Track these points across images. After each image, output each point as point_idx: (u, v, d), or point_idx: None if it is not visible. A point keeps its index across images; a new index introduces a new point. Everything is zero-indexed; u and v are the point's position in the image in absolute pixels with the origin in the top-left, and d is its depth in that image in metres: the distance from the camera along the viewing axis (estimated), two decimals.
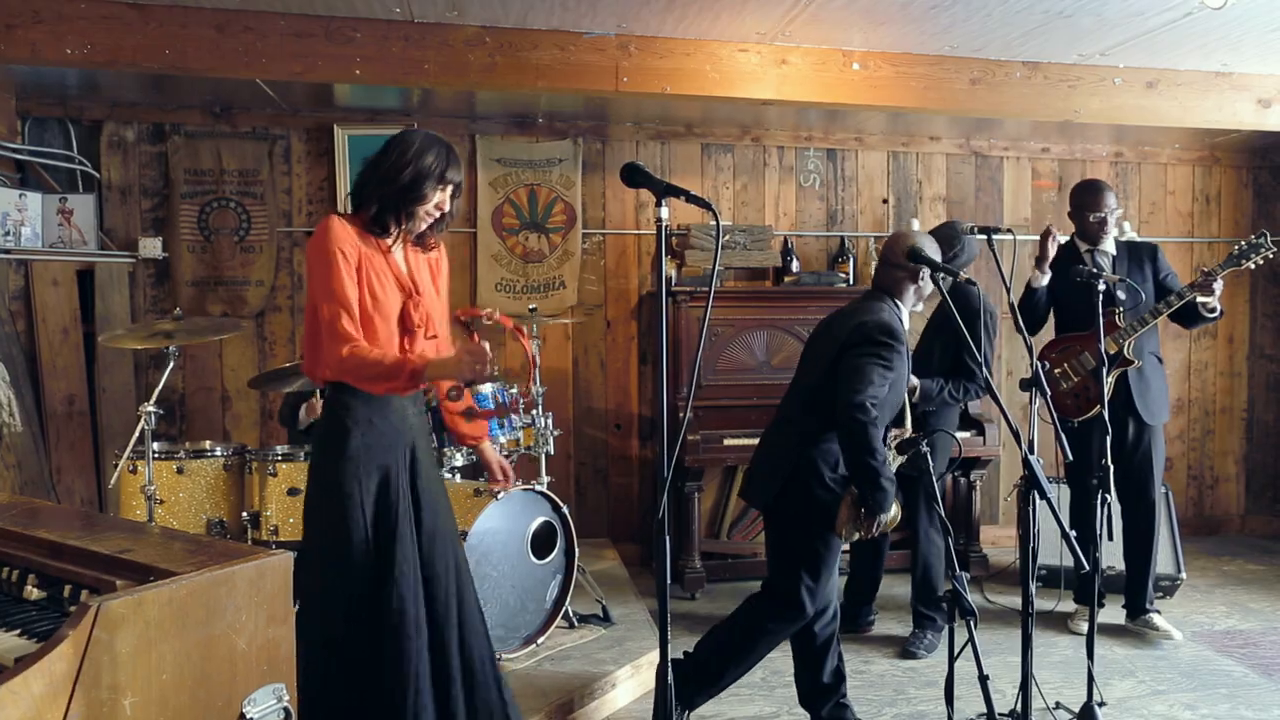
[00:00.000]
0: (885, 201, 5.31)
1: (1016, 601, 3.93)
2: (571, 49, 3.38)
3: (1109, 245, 3.89)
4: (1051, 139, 5.38)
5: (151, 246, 4.66)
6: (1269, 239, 3.49)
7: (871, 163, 5.32)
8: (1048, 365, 4.02)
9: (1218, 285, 3.55)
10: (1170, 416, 3.95)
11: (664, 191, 1.92)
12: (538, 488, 3.51)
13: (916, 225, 5.15)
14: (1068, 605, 4.27)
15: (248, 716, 1.80)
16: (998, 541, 5.13)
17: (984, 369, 3.69)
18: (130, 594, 1.63)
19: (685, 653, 2.92)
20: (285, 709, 1.88)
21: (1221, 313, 3.73)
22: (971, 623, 2.36)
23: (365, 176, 2.20)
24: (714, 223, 5.04)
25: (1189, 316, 3.76)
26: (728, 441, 4.55)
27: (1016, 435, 2.55)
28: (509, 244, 5.02)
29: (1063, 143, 5.42)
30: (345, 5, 3.18)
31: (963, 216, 5.40)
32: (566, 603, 3.63)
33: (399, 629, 2.22)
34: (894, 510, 2.76)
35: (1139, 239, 4.67)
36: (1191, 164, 5.62)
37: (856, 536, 2.70)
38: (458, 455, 3.63)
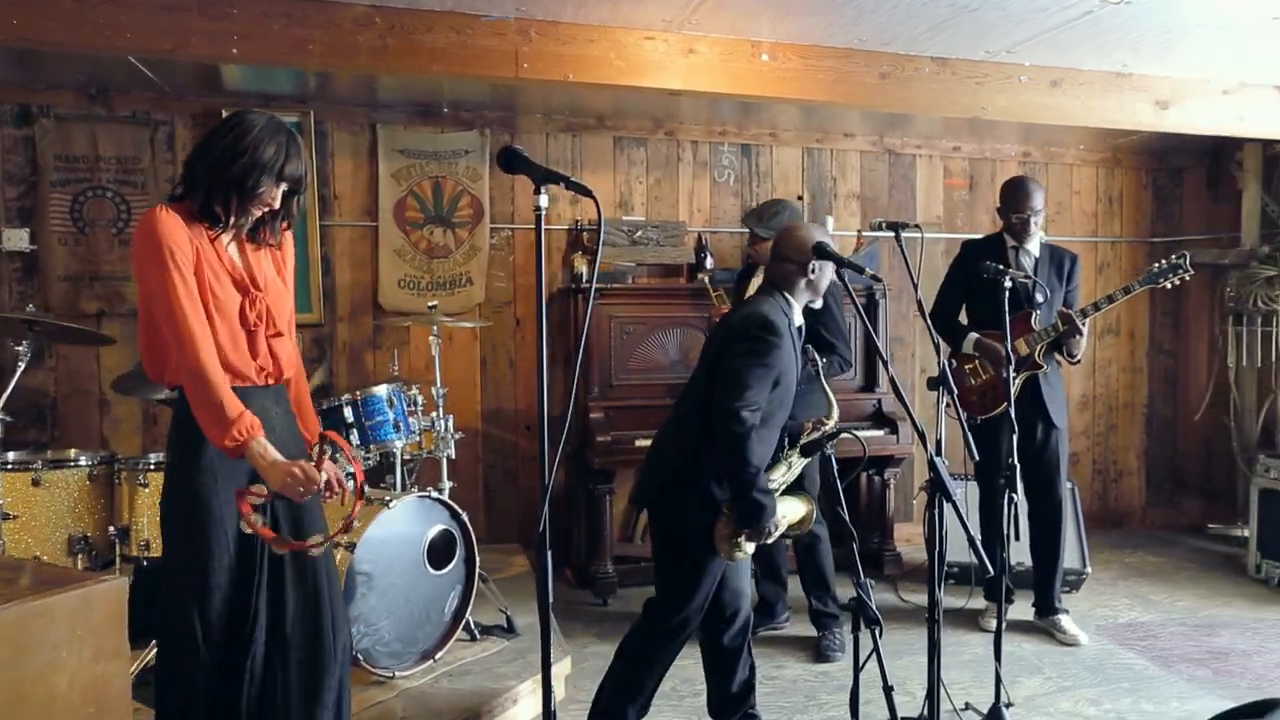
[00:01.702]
0: (800, 198, 5.26)
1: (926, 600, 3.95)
2: (469, 32, 3.21)
3: (1034, 245, 3.89)
4: (963, 138, 5.41)
5: (17, 238, 4.31)
6: (1188, 260, 3.55)
7: (786, 159, 5.27)
8: (955, 363, 4.02)
9: (1082, 339, 3.67)
10: (1068, 416, 4.00)
11: (542, 178, 1.79)
12: (434, 494, 3.32)
13: (830, 223, 5.12)
14: (978, 603, 4.28)
15: None
16: (912, 539, 5.13)
17: (842, 342, 3.73)
18: None
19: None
20: None
21: (1077, 360, 3.81)
22: (876, 632, 2.28)
23: (194, 159, 1.99)
24: (625, 218, 4.94)
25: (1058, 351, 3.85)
26: (640, 443, 4.42)
27: (923, 436, 2.48)
28: (413, 239, 4.80)
29: (973, 141, 5.46)
30: None
31: (876, 213, 5.39)
32: (468, 614, 3.45)
33: (251, 659, 2.05)
34: (800, 511, 2.67)
35: (1059, 241, 4.72)
36: (1095, 165, 5.73)
37: (744, 553, 2.57)
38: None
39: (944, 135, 5.36)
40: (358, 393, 3.52)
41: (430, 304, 3.91)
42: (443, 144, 4.80)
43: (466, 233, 4.86)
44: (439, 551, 3.34)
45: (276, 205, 2.03)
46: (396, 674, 3.16)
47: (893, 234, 3.02)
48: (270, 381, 2.11)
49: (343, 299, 4.75)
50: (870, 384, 4.90)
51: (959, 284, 3.98)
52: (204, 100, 4.46)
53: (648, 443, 4.31)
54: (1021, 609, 4.17)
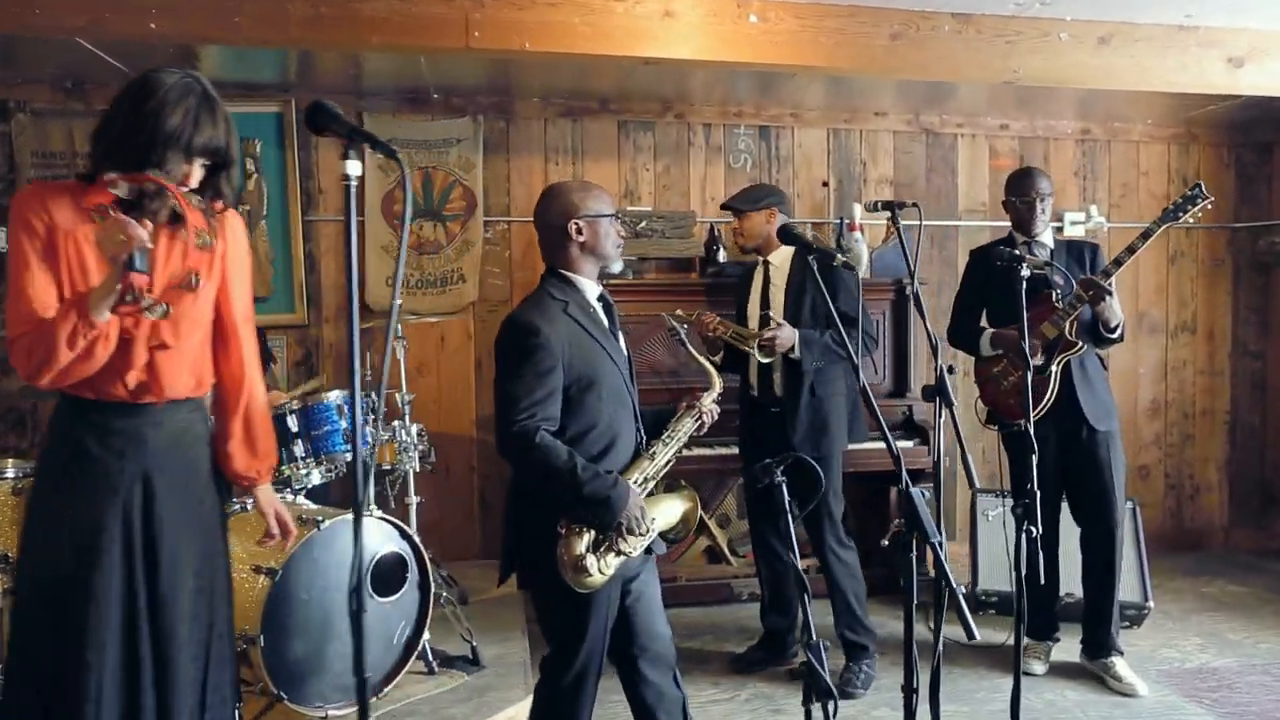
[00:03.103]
0: (825, 184, 4.80)
1: (964, 632, 3.44)
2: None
3: (1046, 238, 3.43)
4: (1011, 114, 4.86)
5: None
6: (1204, 189, 3.08)
7: (810, 141, 4.81)
8: (982, 368, 3.54)
9: (1112, 301, 3.17)
10: (1118, 423, 3.45)
11: (350, 135, 1.43)
12: (377, 514, 3.00)
13: (859, 211, 4.63)
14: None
15: None
16: (949, 559, 4.60)
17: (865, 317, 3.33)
18: None
19: None
20: None
21: (1122, 335, 3.30)
22: (830, 708, 1.85)
23: (97, 134, 1.74)
24: (631, 208, 4.55)
25: (1095, 332, 3.33)
26: None
27: (963, 448, 2.23)
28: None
29: (1023, 118, 4.90)
30: None
31: (913, 199, 4.87)
32: (421, 646, 3.12)
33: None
34: (679, 509, 2.32)
35: (1124, 229, 4.16)
36: (1167, 141, 5.09)
37: (601, 574, 2.12)
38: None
39: (989, 111, 4.82)
40: (304, 400, 3.23)
41: (398, 300, 3.60)
42: (433, 132, 4.50)
43: (458, 226, 4.55)
44: (386, 576, 3.02)
45: (193, 184, 1.76)
46: (329, 713, 2.85)
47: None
48: (148, 399, 1.81)
49: (328, 298, 4.49)
50: (900, 389, 4.42)
51: (974, 291, 3.56)
52: None
53: None
54: (1068, 647, 3.64)
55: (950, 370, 2.48)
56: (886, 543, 1.87)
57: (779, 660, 3.63)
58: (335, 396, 3.25)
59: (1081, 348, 3.31)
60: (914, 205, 2.48)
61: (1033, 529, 2.43)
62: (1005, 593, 4.03)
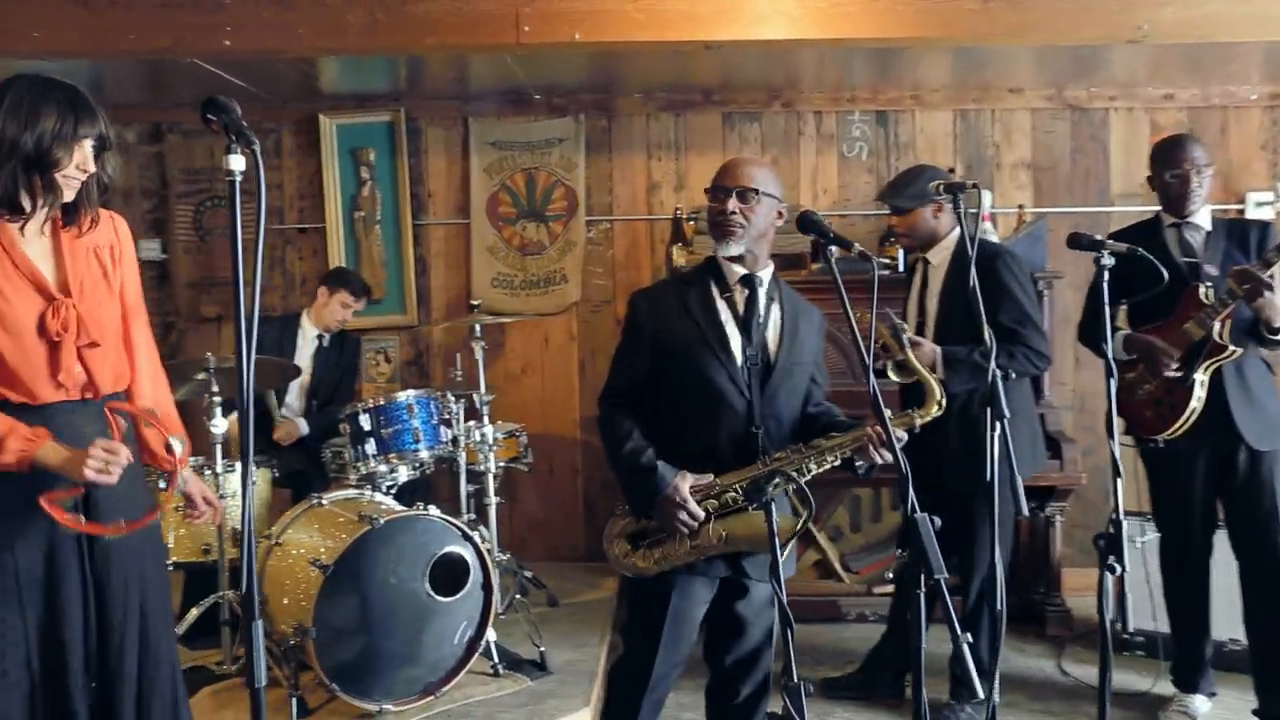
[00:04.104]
0: (952, 170, 4.39)
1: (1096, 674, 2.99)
2: None
3: (1202, 218, 2.91)
4: (1178, 81, 4.24)
5: (150, 248, 4.60)
6: None
7: (933, 125, 4.42)
8: (1116, 374, 3.07)
9: (1274, 296, 2.61)
10: None
11: (230, 129, 1.39)
12: (434, 514, 3.01)
13: (988, 199, 4.20)
14: (1165, 688, 3.25)
15: None
16: (1086, 591, 4.07)
17: (1032, 327, 2.83)
18: None
19: None
20: None
21: None
22: None
23: None
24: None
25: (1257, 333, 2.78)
26: None
27: (1116, 464, 1.99)
28: (505, 235, 4.56)
29: (1193, 85, 4.26)
30: None
31: (1055, 185, 4.38)
32: (483, 648, 3.10)
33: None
34: (753, 527, 1.95)
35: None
36: None
37: (642, 563, 2.01)
38: None
39: (1150, 80, 4.23)
40: (379, 399, 3.31)
41: (474, 303, 3.64)
42: (535, 133, 4.51)
43: (561, 226, 4.54)
44: (448, 576, 3.02)
45: (92, 167, 1.80)
46: (385, 708, 2.88)
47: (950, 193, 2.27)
48: (87, 396, 1.87)
49: (438, 300, 4.62)
50: (1034, 396, 3.95)
51: (1117, 283, 3.05)
52: (304, 106, 4.52)
53: None
54: (1231, 703, 3.11)
55: (1006, 375, 2.16)
56: (890, 575, 1.62)
57: (876, 691, 3.32)
58: (406, 396, 3.30)
59: (1236, 352, 2.80)
60: (974, 186, 2.17)
61: (1116, 565, 2.05)
62: (1153, 633, 3.51)
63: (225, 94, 4.43)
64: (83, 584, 1.86)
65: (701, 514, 1.95)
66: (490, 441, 3.51)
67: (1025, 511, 2.07)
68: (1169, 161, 2.88)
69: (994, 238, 4.11)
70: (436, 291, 4.61)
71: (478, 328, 3.62)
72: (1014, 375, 2.83)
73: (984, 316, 2.77)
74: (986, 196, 4.18)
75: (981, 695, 1.51)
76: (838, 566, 4.19)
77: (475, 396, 3.55)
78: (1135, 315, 3.05)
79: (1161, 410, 2.95)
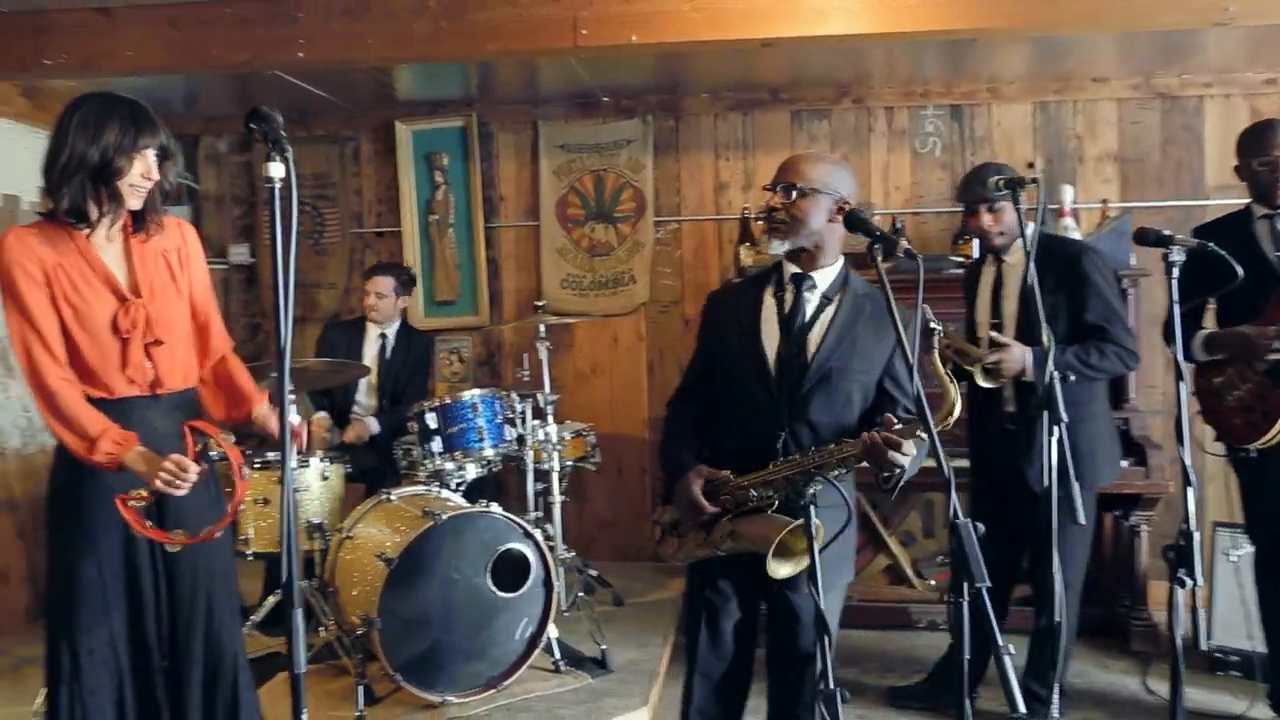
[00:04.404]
0: (1031, 165, 4.23)
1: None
2: (523, 3, 2.91)
3: None
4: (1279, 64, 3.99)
5: (240, 253, 4.82)
6: None
7: (1011, 118, 4.27)
8: (1202, 379, 2.91)
9: None
10: None
11: (269, 138, 1.44)
12: (496, 511, 3.06)
13: (1070, 193, 4.03)
14: (1262, 711, 3.07)
15: None
16: (1186, 605, 3.87)
17: (1119, 324, 2.69)
18: None
19: None
20: None
21: None
22: None
23: (46, 168, 1.90)
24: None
25: None
26: None
27: (1186, 473, 1.85)
28: (574, 236, 4.61)
29: None
30: None
31: (1144, 178, 4.18)
32: (543, 644, 3.14)
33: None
34: (761, 531, 1.85)
35: None
36: None
37: (672, 548, 2.04)
38: None
39: (1250, 64, 3.99)
40: (445, 399, 3.39)
41: (538, 304, 3.69)
42: (603, 135, 4.55)
43: (629, 228, 4.57)
44: (509, 572, 3.08)
45: (155, 175, 1.93)
46: (448, 699, 2.95)
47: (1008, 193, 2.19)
48: (157, 391, 1.99)
49: (509, 301, 4.70)
50: (1116, 399, 3.77)
51: (1194, 278, 2.87)
52: (381, 114, 4.66)
53: None
54: None
55: (1064, 379, 2.07)
56: (934, 583, 1.57)
57: (942, 701, 3.22)
58: (471, 395, 3.37)
59: None
60: (1033, 181, 2.09)
61: (1187, 578, 1.94)
62: (1249, 652, 3.32)
63: (307, 104, 4.63)
64: (155, 574, 2.01)
65: (707, 507, 1.91)
66: (554, 440, 3.55)
67: (1081, 520, 1.97)
68: (1257, 149, 2.72)
69: (1075, 234, 3.95)
70: (508, 293, 4.70)
71: (542, 328, 3.67)
72: (1101, 376, 2.73)
73: (1062, 315, 2.71)
74: (1068, 191, 4.02)
75: (1021, 709, 1.44)
76: (909, 572, 4.09)
77: (539, 396, 3.60)
78: (1223, 315, 2.89)
79: (1252, 418, 2.79)
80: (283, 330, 1.47)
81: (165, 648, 2.03)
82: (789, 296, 1.98)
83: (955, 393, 1.74)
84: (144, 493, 1.86)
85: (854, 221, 1.93)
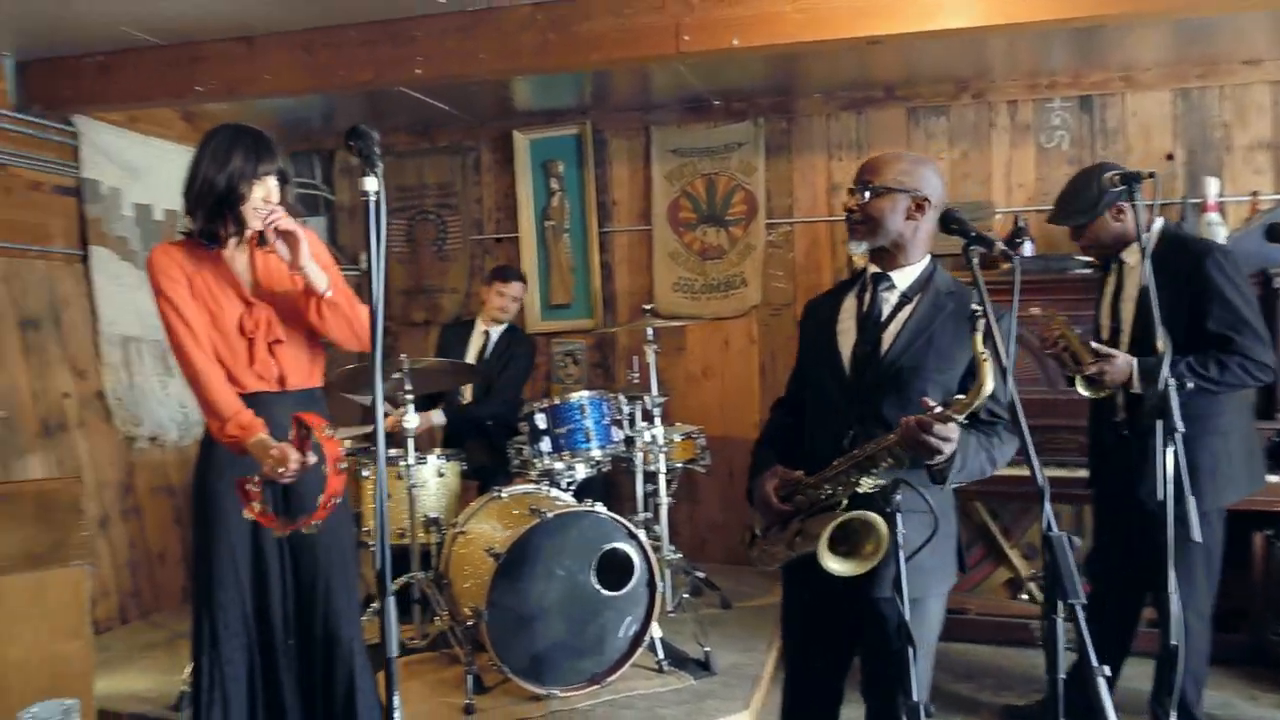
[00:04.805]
0: (1170, 157, 3.96)
1: None
2: (627, 13, 2.95)
3: None
4: None
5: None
6: None
7: (1147, 107, 4.01)
8: None
9: None
10: None
11: (363, 155, 1.53)
12: (601, 510, 3.12)
13: (1215, 186, 3.75)
14: None
15: None
16: None
17: (1250, 334, 2.45)
18: None
19: None
20: None
21: None
22: None
23: (185, 190, 2.11)
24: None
25: None
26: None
27: None
28: (686, 240, 4.64)
29: None
30: (403, 5, 3.13)
31: None
32: (647, 643, 3.19)
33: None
34: (824, 528, 1.76)
35: None
36: None
37: (762, 554, 2.00)
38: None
39: None
40: (554, 400, 3.48)
41: (646, 307, 3.73)
42: (715, 138, 4.56)
43: (740, 230, 4.56)
44: (614, 571, 3.14)
45: (276, 198, 2.09)
46: (553, 693, 3.03)
47: (1125, 186, 2.07)
48: (282, 386, 2.15)
49: (622, 304, 4.77)
50: (1268, 408, 3.49)
51: None
52: (500, 124, 4.83)
53: None
54: None
55: (1182, 385, 1.93)
56: (1026, 597, 1.52)
57: None
58: (579, 397, 3.45)
59: None
60: (1150, 176, 1.97)
61: None
62: None
63: (431, 117, 4.86)
64: (280, 559, 2.18)
65: (777, 504, 1.89)
66: (661, 442, 3.59)
67: (1196, 537, 1.84)
68: None
69: (1222, 230, 3.68)
70: (621, 296, 4.77)
71: (650, 331, 3.72)
72: (1220, 390, 2.50)
73: (1180, 322, 2.51)
74: (1213, 183, 3.75)
75: None
76: (1031, 586, 3.91)
77: (647, 398, 3.64)
78: None
79: None
80: (377, 331, 1.57)
81: (290, 627, 2.19)
82: (867, 296, 1.96)
83: (989, 374, 1.64)
84: (256, 478, 2.02)
85: (949, 221, 1.87)
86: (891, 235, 1.89)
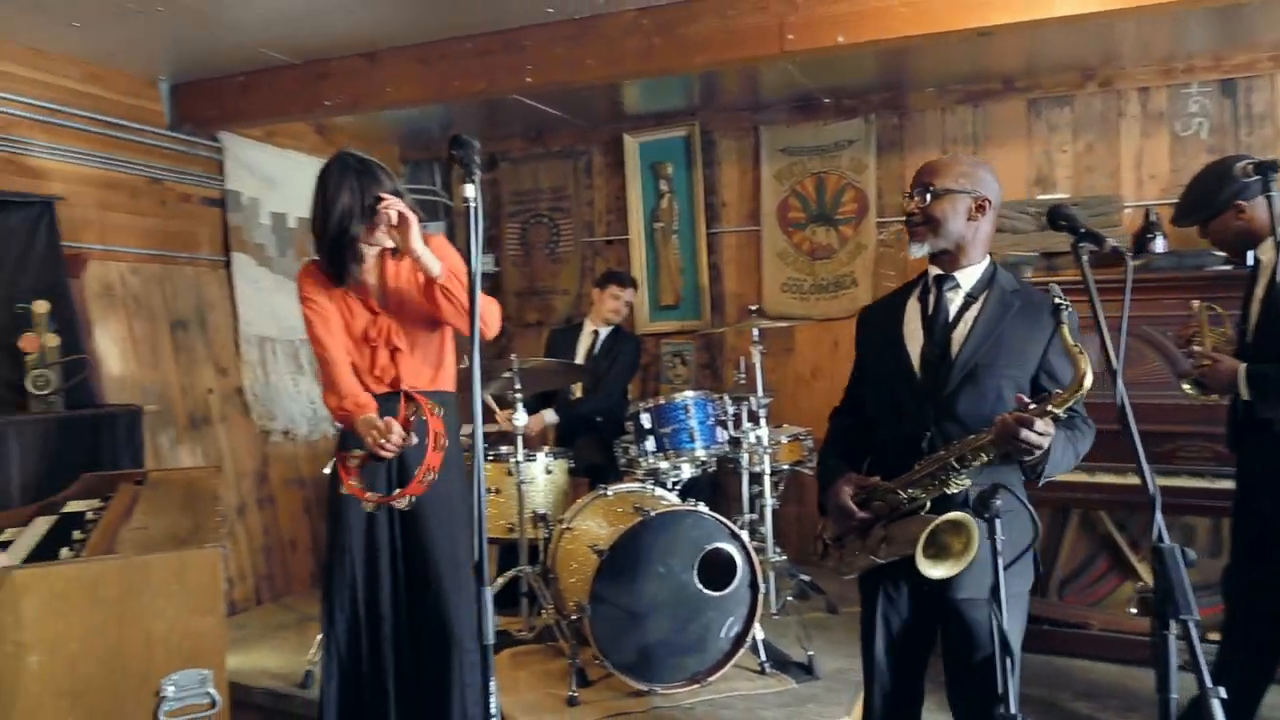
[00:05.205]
0: None
1: None
2: (731, 14, 2.95)
3: None
4: None
5: (485, 262, 5.28)
6: None
7: None
8: None
9: None
10: None
11: (464, 164, 1.60)
12: (703, 510, 3.14)
13: None
14: None
15: (164, 695, 1.94)
16: None
17: None
18: (37, 567, 1.88)
19: None
20: (210, 695, 1.97)
21: None
22: None
23: (311, 228, 2.24)
24: (1041, 195, 4.02)
25: None
26: None
27: None
28: (795, 240, 4.60)
29: None
30: (515, 15, 3.23)
31: None
32: (749, 644, 3.18)
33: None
34: (912, 532, 1.77)
35: None
36: None
37: (837, 562, 2.00)
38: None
39: None
40: (659, 400, 3.52)
41: (752, 308, 3.72)
42: (824, 137, 4.50)
43: (851, 230, 4.48)
44: (716, 571, 3.15)
45: (395, 221, 2.16)
46: (655, 689, 3.07)
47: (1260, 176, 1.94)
48: (397, 389, 2.27)
49: (730, 305, 4.77)
50: None
51: None
52: (611, 128, 4.91)
53: (1059, 476, 3.51)
54: None
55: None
56: (1134, 610, 1.46)
57: None
58: (684, 397, 3.48)
59: None
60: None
61: None
62: None
63: (544, 123, 4.99)
64: (391, 548, 2.30)
65: (856, 512, 1.89)
66: (765, 444, 3.57)
67: None
68: None
69: None
70: (729, 297, 4.77)
71: (756, 331, 3.71)
72: None
73: None
74: None
75: None
76: None
77: (752, 399, 3.63)
78: None
79: None
80: (475, 332, 1.64)
81: (400, 614, 2.31)
82: (932, 298, 1.96)
83: (1086, 366, 1.63)
84: (359, 452, 2.14)
85: (1057, 217, 1.81)
86: (954, 237, 1.90)
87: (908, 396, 1.90)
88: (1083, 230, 1.76)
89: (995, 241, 3.88)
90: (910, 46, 3.50)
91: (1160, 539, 1.46)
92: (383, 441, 2.08)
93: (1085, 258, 1.76)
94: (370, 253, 2.26)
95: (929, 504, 1.81)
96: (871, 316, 2.12)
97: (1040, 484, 1.80)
